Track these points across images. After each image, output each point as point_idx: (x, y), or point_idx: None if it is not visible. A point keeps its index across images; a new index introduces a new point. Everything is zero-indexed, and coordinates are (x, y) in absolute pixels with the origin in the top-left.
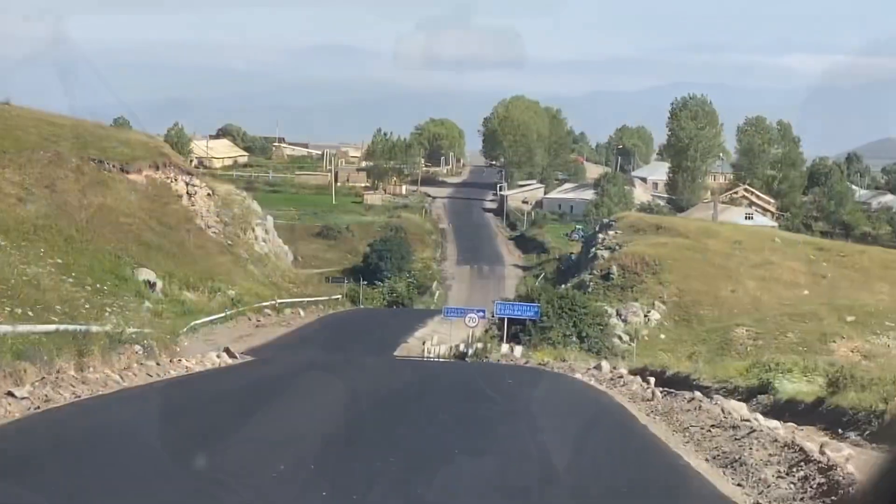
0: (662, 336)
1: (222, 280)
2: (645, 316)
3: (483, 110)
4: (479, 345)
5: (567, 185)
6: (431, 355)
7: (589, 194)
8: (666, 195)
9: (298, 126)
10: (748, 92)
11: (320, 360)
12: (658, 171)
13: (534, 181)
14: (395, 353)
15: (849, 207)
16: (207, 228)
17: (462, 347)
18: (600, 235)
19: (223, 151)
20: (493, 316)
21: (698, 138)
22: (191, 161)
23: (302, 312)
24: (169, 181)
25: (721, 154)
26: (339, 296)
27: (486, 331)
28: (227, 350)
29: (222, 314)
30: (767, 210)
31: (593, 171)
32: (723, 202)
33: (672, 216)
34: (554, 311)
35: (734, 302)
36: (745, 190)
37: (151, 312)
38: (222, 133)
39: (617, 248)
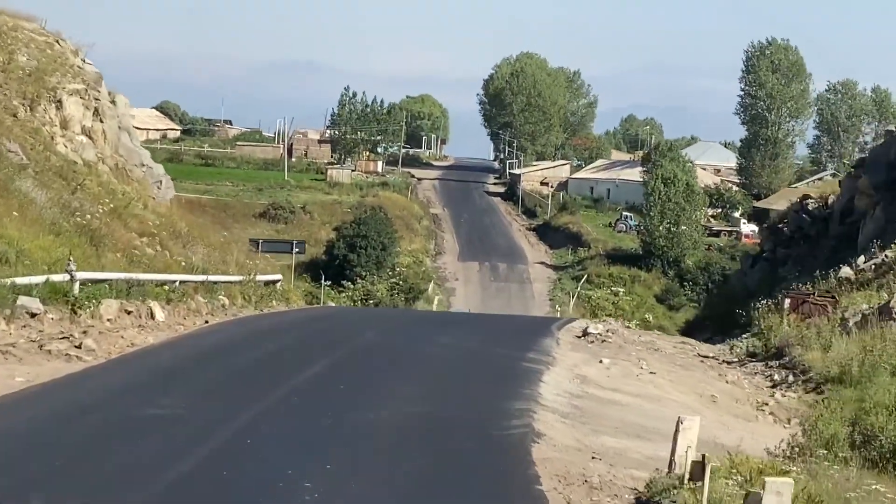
0: None
1: None
2: None
3: None
4: None
5: (601, 162)
6: None
7: (632, 173)
8: (737, 179)
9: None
10: (709, 116)
11: None
12: (708, 153)
13: (545, 161)
14: None
15: None
16: None
17: None
18: None
19: (148, 122)
20: None
21: (783, 97)
22: None
23: (159, 311)
24: None
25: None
26: (279, 277)
27: None
28: None
29: None
30: None
31: (614, 156)
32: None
33: None
34: None
35: None
36: (833, 176)
37: None
38: (156, 110)
39: None
